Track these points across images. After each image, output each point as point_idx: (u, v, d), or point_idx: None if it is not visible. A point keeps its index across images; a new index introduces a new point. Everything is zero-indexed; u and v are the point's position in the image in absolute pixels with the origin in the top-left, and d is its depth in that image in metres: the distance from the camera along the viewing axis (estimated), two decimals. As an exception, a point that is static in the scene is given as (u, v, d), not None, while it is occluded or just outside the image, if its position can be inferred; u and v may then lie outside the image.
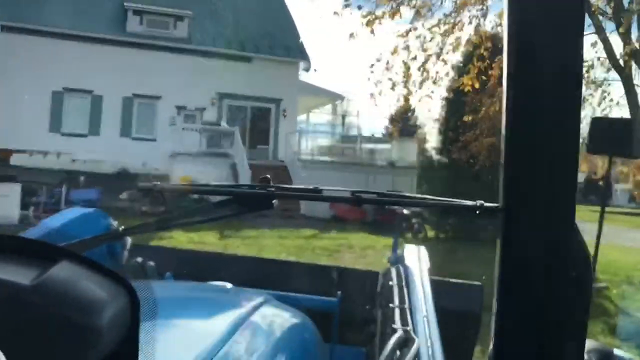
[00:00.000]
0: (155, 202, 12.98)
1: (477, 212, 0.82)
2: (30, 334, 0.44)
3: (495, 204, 0.60)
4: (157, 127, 17.30)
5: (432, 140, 13.88)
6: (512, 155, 0.53)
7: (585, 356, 0.65)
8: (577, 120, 0.52)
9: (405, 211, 12.88)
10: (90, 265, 0.49)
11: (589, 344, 0.73)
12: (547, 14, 0.51)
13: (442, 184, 13.10)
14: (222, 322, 1.07)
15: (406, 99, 10.20)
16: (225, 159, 15.86)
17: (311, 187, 1.09)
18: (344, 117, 20.72)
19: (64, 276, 0.47)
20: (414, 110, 12.58)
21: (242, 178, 14.55)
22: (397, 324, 1.11)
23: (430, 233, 12.36)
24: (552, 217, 0.52)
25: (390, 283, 1.41)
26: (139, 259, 1.58)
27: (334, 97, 19.64)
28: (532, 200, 0.53)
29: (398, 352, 0.97)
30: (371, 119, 55.61)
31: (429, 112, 9.20)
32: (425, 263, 1.56)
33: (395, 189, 15.47)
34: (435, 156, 14.35)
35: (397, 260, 1.61)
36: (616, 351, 0.84)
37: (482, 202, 0.82)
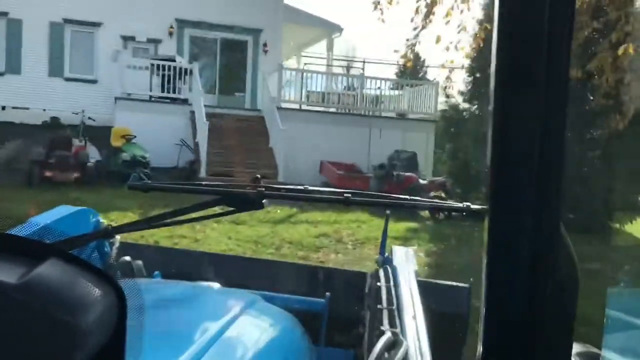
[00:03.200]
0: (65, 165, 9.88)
1: (464, 213, 1.06)
2: (15, 333, 0.45)
3: (482, 206, 0.71)
4: (97, 64, 14.07)
5: (458, 84, 10.64)
6: (498, 156, 0.55)
7: (573, 359, 0.66)
8: (564, 122, 0.54)
9: (423, 182, 10.13)
10: (78, 263, 0.52)
11: (576, 346, 0.79)
12: (537, 17, 0.53)
13: (467, 141, 10.17)
14: (209, 322, 1.13)
15: (423, 27, 7.24)
16: (182, 106, 12.74)
17: (301, 187, 1.34)
18: (348, 63, 17.33)
19: (51, 274, 0.48)
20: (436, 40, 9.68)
21: (200, 133, 11.47)
22: (386, 326, 1.16)
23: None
24: (539, 219, 0.54)
25: (378, 284, 1.46)
26: (127, 258, 1.63)
27: (329, 29, 16.27)
28: (518, 202, 0.55)
29: (386, 354, 1.02)
30: (376, 56, 50.28)
31: (454, 45, 6.00)
32: (413, 264, 1.63)
33: (405, 147, 12.72)
34: (462, 105, 11.23)
35: (385, 262, 1.67)
36: (603, 353, 0.86)
37: (468, 204, 1.11)
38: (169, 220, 1.31)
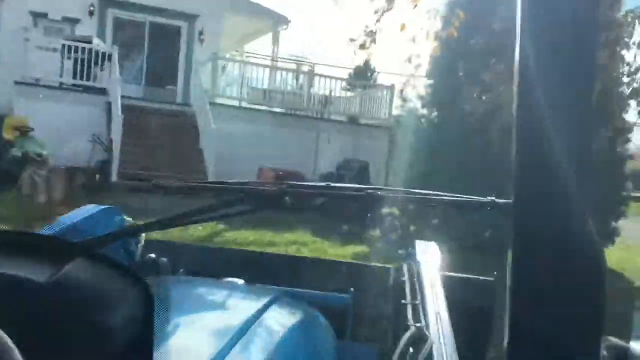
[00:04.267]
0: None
1: (490, 208, 1.11)
2: (45, 331, 0.47)
3: (507, 200, 0.71)
4: (-1, 43, 12.11)
5: (418, 88, 9.56)
6: (523, 150, 0.55)
7: (602, 352, 0.68)
8: (590, 114, 0.54)
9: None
10: (105, 262, 0.54)
11: (606, 339, 0.78)
12: (562, 8, 0.53)
13: (425, 151, 9.11)
14: (234, 319, 1.15)
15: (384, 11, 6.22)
16: (98, 96, 11.01)
17: (324, 184, 1.38)
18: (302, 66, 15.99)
19: (79, 273, 0.51)
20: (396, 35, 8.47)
21: (114, 127, 9.81)
22: (410, 320, 1.17)
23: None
24: (564, 212, 0.54)
25: (402, 279, 1.49)
26: (153, 255, 1.67)
27: (275, 21, 14.91)
28: (543, 196, 0.55)
29: (411, 349, 1.04)
30: (327, 52, 48.15)
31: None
32: (437, 258, 1.64)
33: (356, 155, 11.55)
34: (420, 111, 10.13)
35: (409, 256, 1.68)
36: (633, 345, 0.86)
37: (493, 198, 1.15)
38: (191, 219, 1.32)
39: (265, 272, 1.77)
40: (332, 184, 1.39)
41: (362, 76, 15.36)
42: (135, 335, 0.51)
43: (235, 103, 12.35)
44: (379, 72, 18.32)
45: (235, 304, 1.37)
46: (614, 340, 0.87)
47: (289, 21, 15.13)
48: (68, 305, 0.49)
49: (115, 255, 1.54)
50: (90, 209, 1.63)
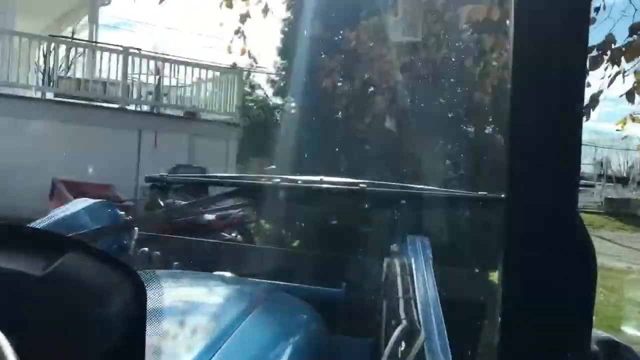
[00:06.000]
0: None
1: (481, 202, 1.10)
2: (38, 324, 0.48)
3: (499, 195, 0.71)
4: None
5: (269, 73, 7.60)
6: (515, 145, 0.57)
7: (593, 346, 0.71)
8: (580, 109, 0.56)
9: (209, 217, 6.73)
10: (98, 255, 0.54)
11: (596, 334, 0.84)
12: (554, 7, 0.55)
13: (282, 150, 7.15)
14: (227, 312, 1.21)
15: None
16: None
17: (317, 178, 1.52)
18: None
19: (72, 267, 0.51)
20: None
21: None
22: (402, 315, 1.19)
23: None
24: (556, 207, 0.55)
25: (395, 273, 1.51)
26: (146, 249, 1.72)
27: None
28: (535, 190, 0.56)
29: (403, 343, 1.07)
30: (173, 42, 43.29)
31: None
32: (429, 253, 1.67)
33: (194, 159, 9.08)
34: (274, 101, 8.07)
35: (401, 251, 1.72)
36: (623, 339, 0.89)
37: (485, 193, 1.20)
38: (184, 212, 1.34)
39: (258, 266, 1.84)
40: (326, 178, 1.52)
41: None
42: (128, 328, 0.52)
43: (31, 93, 9.39)
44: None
45: (228, 298, 1.41)
46: (604, 334, 0.98)
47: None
48: (61, 299, 0.49)
49: (108, 248, 1.55)
50: (83, 202, 1.66)
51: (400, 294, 1.33)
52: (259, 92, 8.14)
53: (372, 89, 5.80)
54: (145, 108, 10.47)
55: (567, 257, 0.55)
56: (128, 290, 0.53)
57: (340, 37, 5.88)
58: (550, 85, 0.54)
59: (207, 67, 10.61)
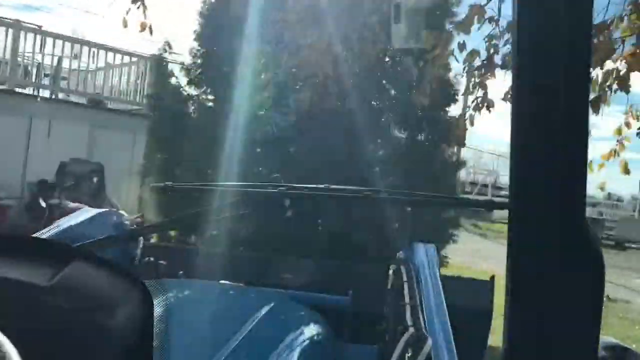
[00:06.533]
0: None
1: (487, 208, 1.15)
2: (45, 334, 0.48)
3: (505, 202, 0.70)
4: None
5: (184, 56, 6.78)
6: (521, 152, 0.56)
7: (601, 353, 0.69)
8: (586, 116, 0.55)
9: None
10: (104, 264, 0.55)
11: (605, 340, 0.85)
12: (556, 19, 0.54)
13: (194, 146, 6.34)
14: (233, 321, 1.21)
15: None
16: None
17: (322, 185, 1.50)
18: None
19: (78, 276, 0.52)
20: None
21: None
22: (409, 322, 1.20)
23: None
24: (563, 213, 0.55)
25: (401, 281, 1.52)
26: (152, 258, 1.71)
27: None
28: (542, 197, 0.56)
29: (410, 350, 1.07)
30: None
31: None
32: (435, 260, 1.66)
33: (93, 154, 7.99)
34: (188, 90, 7.22)
35: (407, 258, 1.71)
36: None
37: (492, 199, 1.91)
38: (190, 221, 1.35)
39: (264, 275, 1.85)
40: (332, 186, 1.48)
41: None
42: (134, 338, 0.52)
43: None
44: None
45: (234, 307, 1.44)
46: (612, 340, 0.99)
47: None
48: (67, 309, 0.49)
49: (114, 258, 1.55)
50: (89, 212, 1.65)
51: (407, 300, 1.32)
52: (172, 81, 7.22)
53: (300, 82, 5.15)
54: (44, 94, 9.22)
55: (575, 263, 0.53)
56: (134, 300, 0.52)
57: (265, 19, 5.15)
58: (556, 92, 0.52)
59: (116, 51, 9.47)
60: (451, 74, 5.66)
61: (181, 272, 1.71)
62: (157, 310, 0.54)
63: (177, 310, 1.06)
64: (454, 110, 5.84)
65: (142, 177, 7.66)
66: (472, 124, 4.53)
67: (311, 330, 1.39)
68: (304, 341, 1.31)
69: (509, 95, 5.09)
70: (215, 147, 6.18)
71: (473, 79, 4.91)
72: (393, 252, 1.74)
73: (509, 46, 4.23)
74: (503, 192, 28.31)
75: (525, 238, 0.55)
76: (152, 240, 1.83)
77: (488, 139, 50.21)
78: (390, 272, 1.73)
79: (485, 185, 26.05)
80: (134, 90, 9.20)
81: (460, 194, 7.23)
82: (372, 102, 6.14)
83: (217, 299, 1.45)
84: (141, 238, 1.69)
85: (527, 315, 0.55)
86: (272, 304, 1.34)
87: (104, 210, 1.70)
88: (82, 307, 0.50)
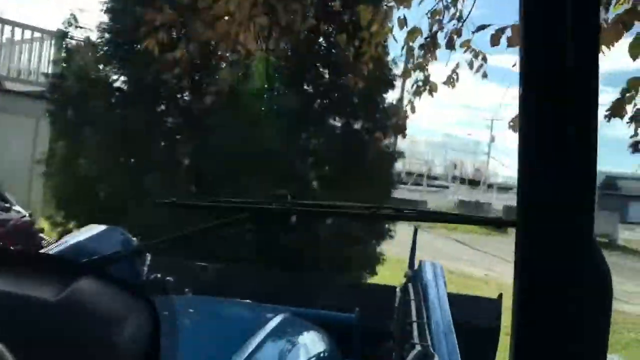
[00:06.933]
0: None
1: (495, 225, 1.20)
2: (52, 349, 0.49)
3: (512, 219, 0.68)
4: None
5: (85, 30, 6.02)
6: (528, 169, 0.56)
7: None
8: (595, 133, 0.54)
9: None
10: (111, 281, 0.57)
11: (611, 358, 1.08)
12: (562, 20, 0.52)
13: (102, 135, 5.57)
14: (240, 338, 1.20)
15: None
16: None
17: (328, 203, 1.47)
18: None
19: (86, 292, 0.53)
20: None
21: None
22: (416, 340, 1.21)
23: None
24: (571, 231, 0.55)
25: (408, 298, 1.54)
26: (158, 275, 1.70)
27: None
28: (549, 214, 0.55)
29: None
30: None
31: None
32: (442, 278, 1.68)
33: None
34: (94, 71, 6.38)
35: (415, 276, 1.74)
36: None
37: (500, 217, 2.11)
38: (196, 238, 1.33)
39: (271, 291, 1.83)
40: (338, 203, 1.45)
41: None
42: (141, 354, 0.51)
43: None
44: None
45: (241, 324, 1.45)
46: (617, 358, 2.29)
47: None
48: (74, 324, 0.49)
49: (121, 274, 1.52)
50: (95, 228, 1.68)
51: (414, 318, 1.33)
52: (78, 58, 6.37)
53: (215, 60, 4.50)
54: None
55: (582, 281, 0.52)
56: (140, 316, 0.53)
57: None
58: (564, 107, 0.51)
59: (15, 25, 8.36)
60: (390, 55, 5.19)
61: (188, 289, 1.73)
62: (164, 327, 0.54)
63: (184, 327, 1.09)
64: (393, 95, 5.37)
65: (45, 168, 6.76)
66: (412, 110, 4.06)
67: (318, 348, 1.41)
68: (310, 358, 1.33)
69: (453, 79, 4.69)
70: (122, 134, 5.47)
71: (413, 60, 4.47)
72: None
73: (454, 22, 3.80)
74: (437, 182, 28.69)
75: (533, 255, 0.54)
76: (160, 256, 1.83)
77: (423, 127, 50.86)
78: (397, 289, 1.77)
79: (421, 175, 26.20)
80: (38, 69, 8.17)
81: (396, 184, 6.81)
82: (303, 86, 5.59)
83: (224, 316, 1.49)
84: (148, 254, 1.73)
85: (534, 332, 0.54)
86: (279, 321, 1.36)
87: (111, 226, 1.72)
88: (89, 323, 0.50)
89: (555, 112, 0.52)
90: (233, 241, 4.23)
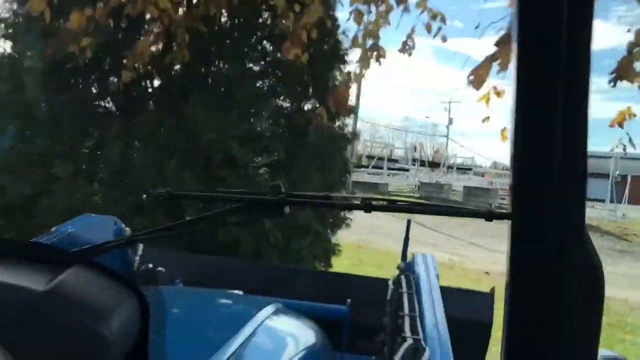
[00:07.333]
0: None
1: (487, 218, 1.08)
2: (42, 339, 0.49)
3: (505, 211, 0.64)
4: None
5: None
6: (521, 162, 0.56)
7: None
8: (586, 125, 0.54)
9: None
10: (101, 271, 0.55)
11: (603, 353, 0.83)
12: (557, 16, 0.52)
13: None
14: (231, 329, 1.18)
15: None
16: None
17: (322, 193, 1.40)
18: None
19: (75, 282, 0.52)
20: None
21: None
22: (407, 333, 1.20)
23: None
24: (562, 224, 0.55)
25: (400, 291, 1.53)
26: (150, 265, 1.69)
27: None
28: (542, 206, 0.55)
29: None
30: None
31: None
32: (435, 271, 1.68)
33: None
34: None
35: (407, 268, 1.73)
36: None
37: (492, 209, 1.12)
38: (189, 228, 1.37)
39: (262, 283, 1.84)
40: (332, 194, 1.43)
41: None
42: (130, 344, 0.51)
43: None
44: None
45: (232, 315, 1.45)
46: (610, 353, 1.00)
47: None
48: (63, 314, 0.49)
49: (112, 264, 1.51)
50: (87, 217, 1.68)
51: (406, 311, 1.33)
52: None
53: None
54: None
55: (574, 276, 0.53)
56: (131, 306, 0.53)
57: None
58: (556, 100, 0.51)
59: None
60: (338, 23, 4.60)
61: (179, 280, 1.71)
62: (154, 317, 0.54)
63: (174, 318, 1.10)
64: (341, 68, 4.79)
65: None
66: (357, 79, 3.50)
67: (309, 340, 1.40)
68: (302, 350, 1.30)
69: (409, 46, 4.18)
70: (40, 126, 4.75)
71: (363, 26, 3.92)
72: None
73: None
74: (398, 165, 28.56)
75: (525, 248, 0.54)
76: (151, 247, 1.78)
77: (384, 112, 50.89)
78: (390, 282, 1.76)
79: (382, 159, 25.93)
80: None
81: (352, 168, 6.40)
82: (243, 62, 4.96)
83: (215, 307, 1.47)
84: (140, 244, 1.70)
85: (526, 326, 0.54)
86: (270, 312, 1.34)
87: (103, 216, 1.70)
88: (79, 312, 0.49)
89: (546, 104, 0.52)
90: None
